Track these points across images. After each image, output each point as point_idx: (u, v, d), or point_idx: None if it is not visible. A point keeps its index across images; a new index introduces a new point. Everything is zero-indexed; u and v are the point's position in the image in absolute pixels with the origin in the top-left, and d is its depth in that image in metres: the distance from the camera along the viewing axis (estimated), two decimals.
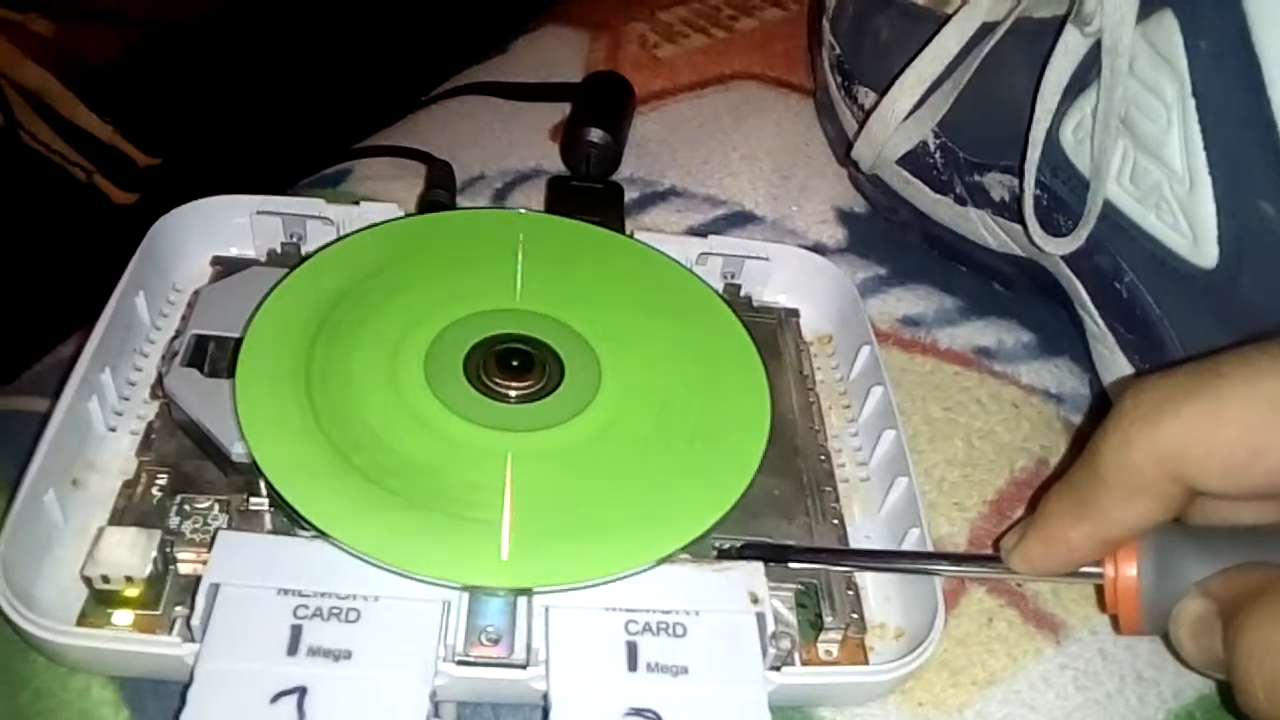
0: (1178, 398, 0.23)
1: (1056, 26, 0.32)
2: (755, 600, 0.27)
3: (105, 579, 0.25)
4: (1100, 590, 0.26)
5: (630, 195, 0.41)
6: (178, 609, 0.25)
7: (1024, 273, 0.38)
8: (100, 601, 0.26)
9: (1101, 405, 0.35)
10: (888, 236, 0.41)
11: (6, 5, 0.93)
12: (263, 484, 0.27)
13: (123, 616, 0.25)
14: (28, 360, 0.36)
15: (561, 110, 0.46)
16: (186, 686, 0.23)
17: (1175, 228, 0.29)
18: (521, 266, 0.33)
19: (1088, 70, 0.31)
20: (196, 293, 0.33)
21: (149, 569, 0.25)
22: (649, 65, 0.50)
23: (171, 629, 0.25)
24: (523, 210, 0.36)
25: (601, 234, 0.35)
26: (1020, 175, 0.33)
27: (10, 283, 0.75)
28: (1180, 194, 0.28)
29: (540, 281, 0.32)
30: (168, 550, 0.26)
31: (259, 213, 0.35)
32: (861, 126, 0.38)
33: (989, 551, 0.31)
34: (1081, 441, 0.33)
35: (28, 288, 0.77)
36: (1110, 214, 0.31)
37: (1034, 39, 0.33)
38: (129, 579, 0.25)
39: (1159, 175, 0.29)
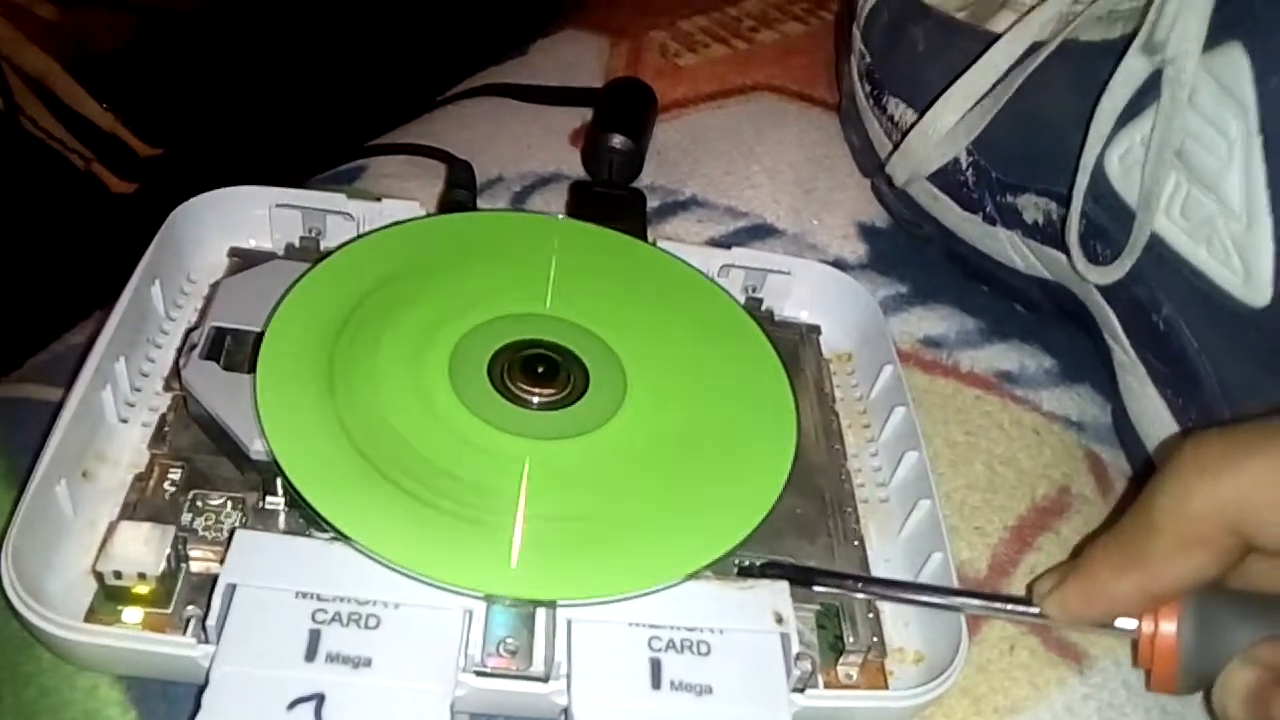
0: (1243, 451, 0.23)
1: (1103, 50, 0.32)
2: (780, 620, 0.26)
3: (117, 575, 0.24)
4: (1135, 644, 0.25)
5: (651, 203, 0.41)
6: (188, 608, 0.25)
7: (1049, 297, 0.38)
8: (110, 598, 0.25)
9: (1124, 436, 0.35)
10: (909, 253, 0.41)
11: None
12: (280, 483, 0.27)
13: (132, 614, 0.25)
14: (31, 348, 0.36)
15: (581, 115, 0.46)
16: (200, 689, 0.22)
17: (1226, 264, 0.28)
18: (554, 273, 0.32)
19: (1140, 98, 0.30)
20: (214, 285, 0.32)
21: (162, 565, 0.24)
22: (670, 73, 0.50)
23: (185, 629, 0.24)
24: (559, 216, 0.35)
25: (631, 243, 0.35)
26: (1066, 201, 0.33)
27: (8, 269, 0.74)
28: (1235, 230, 0.28)
29: (569, 288, 0.32)
30: (180, 548, 0.26)
31: (278, 205, 0.35)
32: (898, 142, 0.38)
33: (1015, 593, 0.30)
34: (1128, 497, 0.33)
35: (26, 275, 0.76)
36: (1155, 245, 0.30)
37: (1080, 60, 0.33)
38: (141, 575, 0.24)
39: (1213, 210, 0.28)
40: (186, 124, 0.92)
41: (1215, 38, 0.28)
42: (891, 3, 0.42)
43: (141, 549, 0.24)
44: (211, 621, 0.23)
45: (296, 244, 0.35)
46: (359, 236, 0.33)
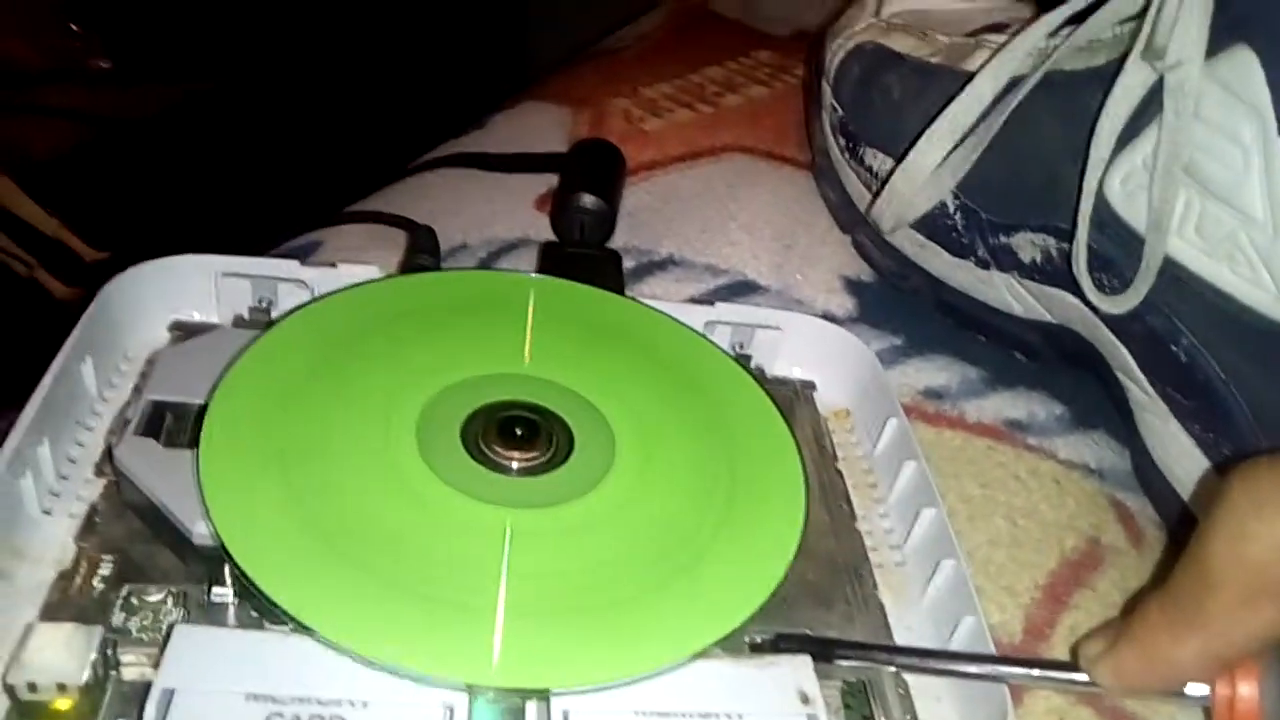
0: None
1: (1089, 77, 0.31)
2: (806, 700, 0.23)
3: (32, 687, 0.21)
4: (1207, 711, 0.23)
5: (626, 264, 0.38)
6: None
7: (1051, 341, 0.36)
8: (23, 715, 0.21)
9: (1149, 481, 0.32)
10: (899, 305, 0.39)
11: None
12: (227, 571, 0.23)
13: None
14: None
15: (546, 181, 0.44)
16: None
17: (1254, 281, 0.26)
18: (529, 330, 0.29)
19: (1137, 119, 0.29)
20: (151, 360, 0.29)
21: (86, 674, 0.21)
22: (636, 138, 0.48)
23: None
24: (532, 275, 0.33)
25: (611, 299, 0.32)
26: (1066, 236, 0.31)
27: None
28: (1261, 243, 0.26)
29: (547, 347, 0.29)
30: (109, 652, 0.22)
31: (225, 274, 0.32)
32: (881, 186, 0.36)
33: (1057, 658, 0.27)
34: (1169, 550, 0.31)
35: None
36: (1169, 269, 0.29)
37: (1066, 90, 0.32)
38: (61, 686, 0.21)
39: (1233, 224, 0.26)
40: (134, 228, 0.90)
41: (1217, 42, 0.26)
42: (862, 55, 0.41)
43: (62, 654, 0.21)
44: None
45: (245, 316, 0.32)
46: (313, 300, 0.30)
